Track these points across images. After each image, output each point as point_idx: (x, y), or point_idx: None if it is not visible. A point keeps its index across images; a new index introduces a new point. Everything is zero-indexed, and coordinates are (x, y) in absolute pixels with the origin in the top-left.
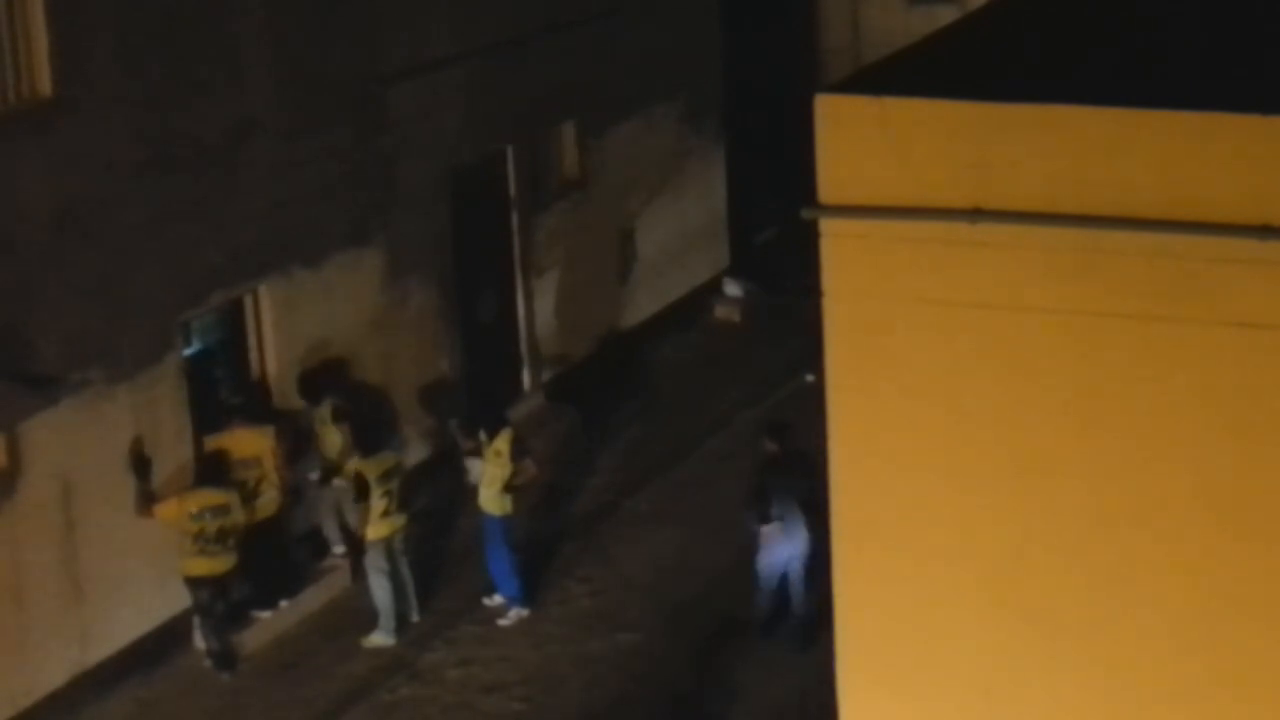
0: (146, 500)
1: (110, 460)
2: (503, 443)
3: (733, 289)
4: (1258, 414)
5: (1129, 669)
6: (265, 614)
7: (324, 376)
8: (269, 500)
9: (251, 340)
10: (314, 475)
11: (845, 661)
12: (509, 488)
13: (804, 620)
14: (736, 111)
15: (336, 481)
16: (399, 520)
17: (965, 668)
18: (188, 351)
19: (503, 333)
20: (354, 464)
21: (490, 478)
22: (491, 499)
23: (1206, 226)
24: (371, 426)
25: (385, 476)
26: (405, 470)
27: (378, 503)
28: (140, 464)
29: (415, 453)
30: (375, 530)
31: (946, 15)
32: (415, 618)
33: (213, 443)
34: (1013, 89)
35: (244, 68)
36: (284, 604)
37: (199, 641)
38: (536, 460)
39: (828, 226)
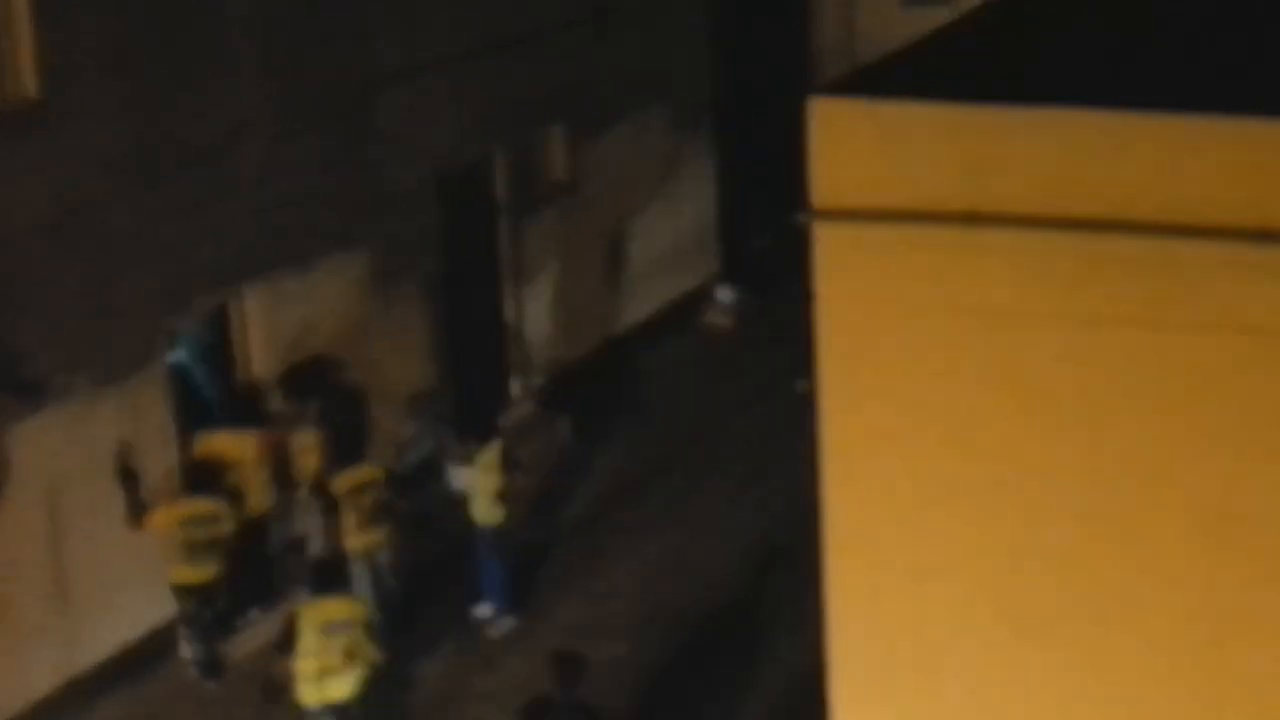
0: (137, 511)
1: (97, 466)
2: (492, 453)
3: (724, 294)
4: (1257, 421)
5: (1124, 683)
6: (254, 612)
7: (308, 377)
8: (261, 498)
9: (237, 345)
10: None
11: (838, 674)
12: (499, 498)
13: None
14: (729, 114)
15: (299, 495)
16: (377, 534)
17: (959, 682)
18: (173, 356)
19: (492, 339)
20: (324, 476)
21: (480, 488)
22: (481, 509)
23: (1204, 231)
24: (350, 437)
25: (358, 490)
26: (383, 482)
27: (348, 516)
28: (128, 476)
29: (403, 460)
30: (351, 542)
31: (941, 17)
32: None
33: (208, 441)
34: (1008, 92)
35: (233, 71)
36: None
37: (185, 650)
38: (527, 469)
39: (820, 231)
